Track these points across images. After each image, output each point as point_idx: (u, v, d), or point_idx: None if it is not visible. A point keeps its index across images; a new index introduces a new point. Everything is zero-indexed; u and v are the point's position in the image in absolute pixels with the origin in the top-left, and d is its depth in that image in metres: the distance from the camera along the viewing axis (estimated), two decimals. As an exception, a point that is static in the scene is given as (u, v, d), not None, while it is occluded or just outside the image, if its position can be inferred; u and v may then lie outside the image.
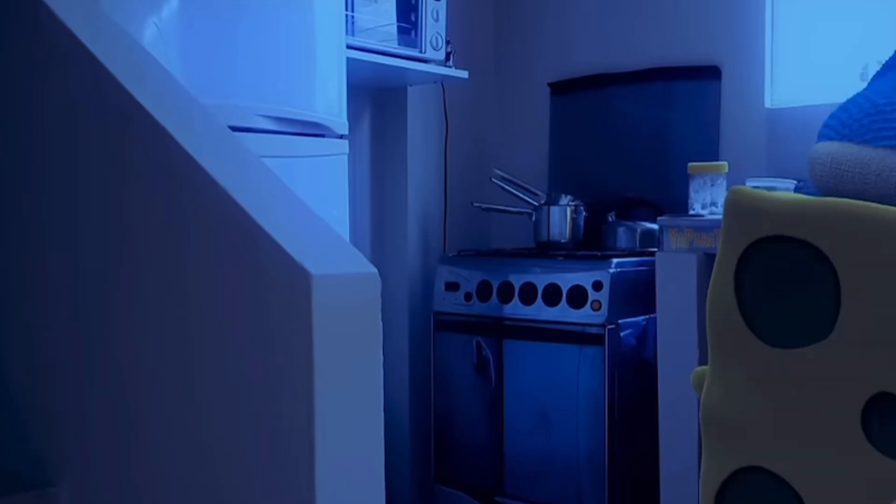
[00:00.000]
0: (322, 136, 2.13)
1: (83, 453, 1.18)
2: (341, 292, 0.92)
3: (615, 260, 2.44)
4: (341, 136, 2.19)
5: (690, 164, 2.37)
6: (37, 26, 1.18)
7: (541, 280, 2.48)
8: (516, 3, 3.44)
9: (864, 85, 2.50)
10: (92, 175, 1.14)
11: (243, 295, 0.95)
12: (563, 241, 2.75)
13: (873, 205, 0.84)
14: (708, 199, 2.34)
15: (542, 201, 2.81)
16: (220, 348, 0.98)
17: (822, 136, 0.96)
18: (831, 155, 0.99)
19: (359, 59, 2.43)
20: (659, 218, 2.38)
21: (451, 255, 2.80)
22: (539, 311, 2.47)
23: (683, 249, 2.31)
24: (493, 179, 2.91)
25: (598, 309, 2.37)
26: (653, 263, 2.36)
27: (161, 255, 1.05)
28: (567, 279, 2.44)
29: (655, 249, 2.38)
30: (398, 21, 2.63)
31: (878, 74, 1.03)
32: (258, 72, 1.92)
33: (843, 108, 0.97)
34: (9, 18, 1.22)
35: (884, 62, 1.07)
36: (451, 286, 2.66)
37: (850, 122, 0.99)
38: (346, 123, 2.17)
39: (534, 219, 2.81)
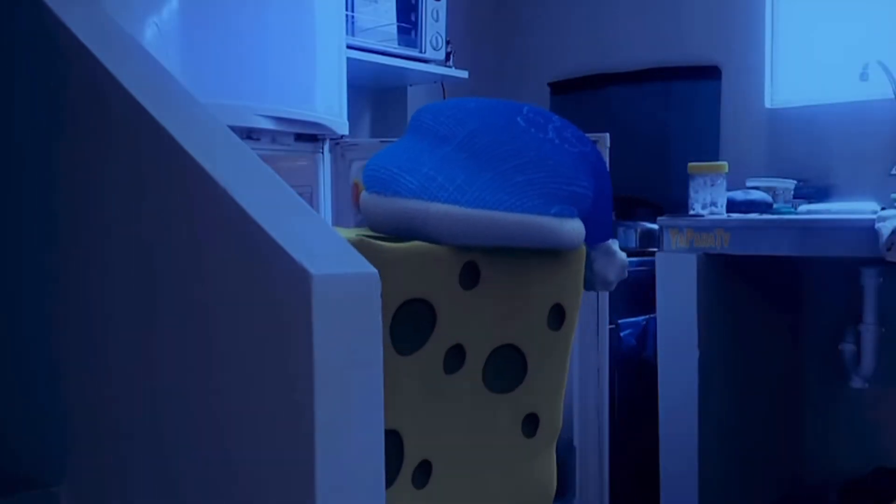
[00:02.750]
0: (322, 136, 2.13)
1: (83, 453, 1.18)
2: (341, 292, 0.92)
3: (615, 260, 2.44)
4: (341, 137, 2.19)
5: (690, 164, 2.37)
6: (35, 25, 1.18)
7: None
8: (516, 3, 3.44)
9: (864, 85, 2.52)
10: (90, 175, 1.14)
11: (243, 295, 0.95)
12: (563, 241, 2.75)
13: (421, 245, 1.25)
14: (708, 199, 2.34)
15: (542, 201, 2.80)
16: (220, 348, 0.98)
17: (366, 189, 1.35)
18: (372, 205, 1.33)
19: (359, 59, 2.43)
20: (659, 218, 2.38)
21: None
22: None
23: (683, 249, 2.31)
24: (493, 179, 2.90)
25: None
26: (653, 263, 2.36)
27: (160, 255, 1.05)
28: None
29: (655, 249, 2.38)
30: (398, 21, 2.63)
31: (408, 130, 1.42)
32: (258, 72, 1.91)
33: (371, 165, 1.36)
34: (6, 17, 1.22)
35: (418, 125, 1.41)
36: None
37: (378, 178, 1.33)
38: (347, 123, 2.17)
39: (534, 219, 2.81)
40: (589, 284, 1.46)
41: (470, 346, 1.32)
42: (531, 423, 1.40)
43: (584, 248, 1.41)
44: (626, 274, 1.49)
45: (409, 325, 1.24)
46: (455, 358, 1.31)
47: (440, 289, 1.28)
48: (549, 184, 1.31)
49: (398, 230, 1.29)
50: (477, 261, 1.30)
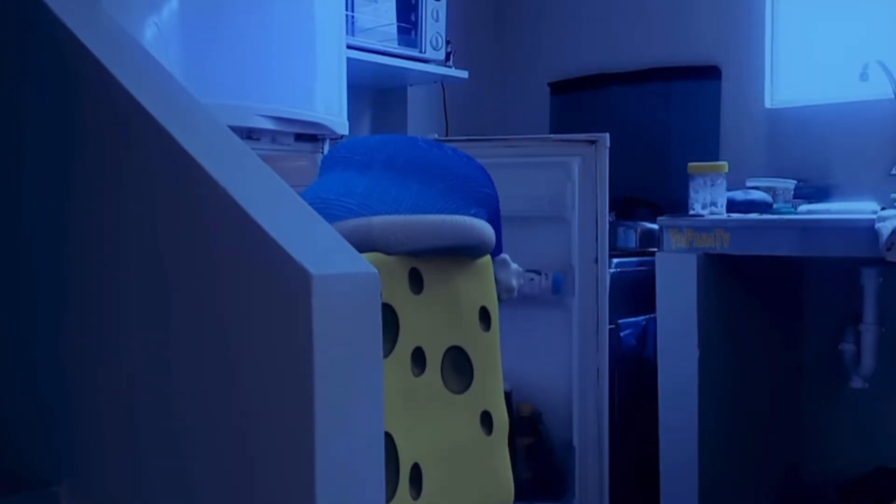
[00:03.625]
0: (322, 136, 2.13)
1: (83, 453, 1.18)
2: (341, 292, 0.92)
3: (615, 260, 2.44)
4: (341, 137, 2.19)
5: (690, 164, 2.37)
6: (34, 23, 1.18)
7: (541, 280, 2.47)
8: (516, 3, 3.44)
9: (864, 85, 2.52)
10: (89, 175, 1.14)
11: (243, 295, 0.95)
12: (563, 240, 2.75)
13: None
14: (708, 199, 2.34)
15: (542, 201, 2.81)
16: (220, 348, 0.98)
17: None
18: None
19: (359, 59, 2.43)
20: (659, 218, 2.38)
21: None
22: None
23: (683, 249, 2.31)
24: (494, 179, 2.91)
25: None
26: (653, 263, 2.36)
27: (160, 255, 1.05)
28: (567, 279, 2.44)
29: (655, 249, 2.38)
30: (398, 21, 2.63)
31: (325, 169, 1.55)
32: (258, 72, 1.91)
33: (308, 202, 1.40)
34: (4, 15, 1.22)
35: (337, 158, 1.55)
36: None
37: (317, 209, 1.37)
38: (347, 123, 2.17)
39: (534, 219, 2.81)
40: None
41: (427, 348, 1.41)
42: (487, 421, 1.50)
43: (489, 257, 1.53)
44: (523, 281, 1.65)
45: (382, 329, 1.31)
46: (418, 360, 1.40)
47: (397, 293, 1.36)
48: (464, 188, 1.47)
49: None
50: (419, 267, 1.40)
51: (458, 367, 1.46)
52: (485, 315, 1.51)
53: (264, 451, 0.94)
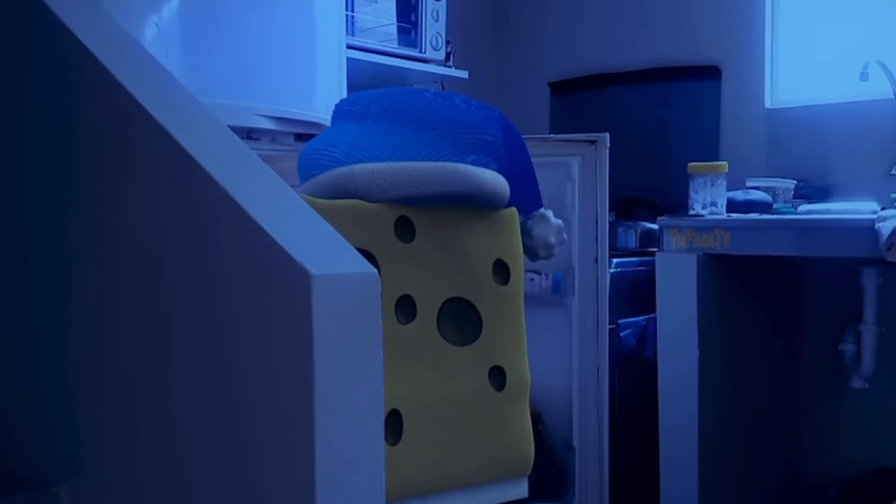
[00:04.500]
0: (322, 136, 2.13)
1: (83, 453, 1.18)
2: (341, 292, 0.92)
3: (615, 260, 2.44)
4: (341, 136, 2.19)
5: (690, 164, 2.37)
6: (34, 23, 1.18)
7: (541, 280, 2.47)
8: (516, 3, 3.44)
9: (864, 85, 2.53)
10: (89, 174, 1.14)
11: (243, 294, 0.95)
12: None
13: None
14: (708, 199, 2.34)
15: (542, 201, 2.80)
16: (219, 348, 0.98)
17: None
18: (307, 189, 1.42)
19: (359, 59, 2.43)
20: (659, 218, 2.38)
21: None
22: (539, 311, 2.47)
23: (683, 249, 2.31)
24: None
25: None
26: (653, 263, 2.36)
27: (160, 255, 1.05)
28: (567, 279, 2.44)
29: (655, 249, 2.38)
30: (398, 21, 2.63)
31: (331, 123, 1.55)
32: (258, 72, 1.91)
33: (300, 157, 1.47)
34: (3, 15, 1.22)
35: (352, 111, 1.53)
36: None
37: (309, 161, 1.44)
38: (346, 123, 2.17)
39: (534, 219, 2.81)
40: (531, 252, 1.55)
41: (419, 298, 1.38)
42: (499, 376, 1.45)
43: (513, 209, 1.49)
44: (566, 237, 1.59)
45: None
46: (406, 309, 1.37)
47: (379, 241, 1.34)
48: (461, 135, 1.42)
49: (332, 197, 1.38)
50: (409, 216, 1.38)
51: (463, 318, 1.43)
52: (501, 268, 1.46)
53: (265, 450, 0.94)
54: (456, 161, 1.39)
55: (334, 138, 1.43)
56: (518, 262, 1.48)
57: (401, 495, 1.32)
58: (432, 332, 1.39)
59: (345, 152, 1.39)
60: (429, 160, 1.38)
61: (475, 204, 1.44)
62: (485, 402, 1.44)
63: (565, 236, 1.58)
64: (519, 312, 1.49)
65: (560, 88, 3.32)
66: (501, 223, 1.47)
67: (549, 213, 1.56)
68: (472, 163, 1.39)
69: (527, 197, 1.53)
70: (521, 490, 1.49)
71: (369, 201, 1.35)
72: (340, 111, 1.52)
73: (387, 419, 1.31)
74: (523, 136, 1.51)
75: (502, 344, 1.46)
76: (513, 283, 1.47)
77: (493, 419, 1.44)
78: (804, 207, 2.47)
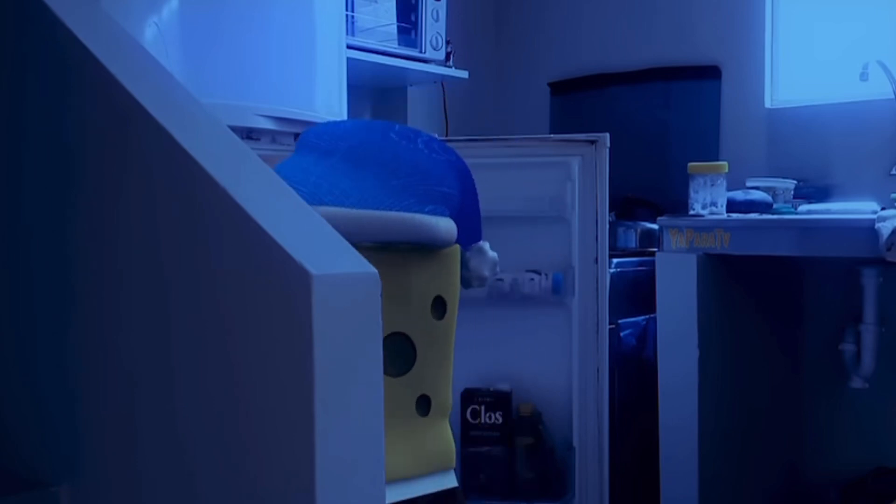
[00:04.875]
0: (322, 136, 2.13)
1: (84, 453, 1.18)
2: (341, 292, 0.92)
3: (615, 260, 2.44)
4: (341, 136, 2.19)
5: (690, 164, 2.37)
6: (34, 23, 1.18)
7: (541, 280, 2.47)
8: (516, 3, 3.44)
9: (864, 85, 2.53)
10: (89, 174, 1.14)
11: (243, 294, 0.95)
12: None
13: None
14: (708, 199, 2.34)
15: (542, 201, 2.80)
16: (219, 348, 0.98)
17: None
18: None
19: (359, 59, 2.43)
20: (659, 218, 2.38)
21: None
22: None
23: (683, 249, 2.31)
24: (493, 179, 2.91)
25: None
26: (653, 263, 2.36)
27: (160, 255, 1.05)
28: (567, 279, 2.44)
29: (655, 249, 2.38)
30: (398, 21, 2.63)
31: (296, 151, 1.60)
32: (258, 72, 1.91)
33: None
34: (3, 15, 1.22)
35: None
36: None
37: None
38: (346, 123, 2.17)
39: (534, 219, 2.81)
40: (465, 282, 1.64)
41: None
42: (424, 404, 1.58)
43: (457, 246, 1.59)
44: (498, 270, 1.68)
45: None
46: None
47: None
48: (421, 186, 1.52)
49: None
50: (365, 256, 1.46)
51: (399, 351, 1.53)
52: (440, 305, 1.57)
53: (265, 450, 0.94)
54: (415, 211, 1.49)
55: (300, 175, 1.49)
56: (454, 298, 1.60)
57: None
58: None
59: (310, 192, 1.45)
60: (390, 209, 1.48)
61: (425, 247, 1.54)
62: (410, 425, 1.57)
63: (498, 269, 1.68)
64: (449, 344, 1.60)
65: (560, 88, 3.32)
66: (445, 262, 1.58)
67: (486, 246, 1.67)
68: (429, 212, 1.50)
69: (470, 231, 1.63)
70: (450, 480, 1.60)
71: None
72: (308, 142, 1.58)
73: None
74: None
75: (431, 374, 1.58)
76: (447, 318, 1.59)
77: (415, 439, 1.58)
78: (804, 207, 2.47)
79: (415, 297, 1.55)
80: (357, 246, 1.41)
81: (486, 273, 1.66)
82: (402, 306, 1.53)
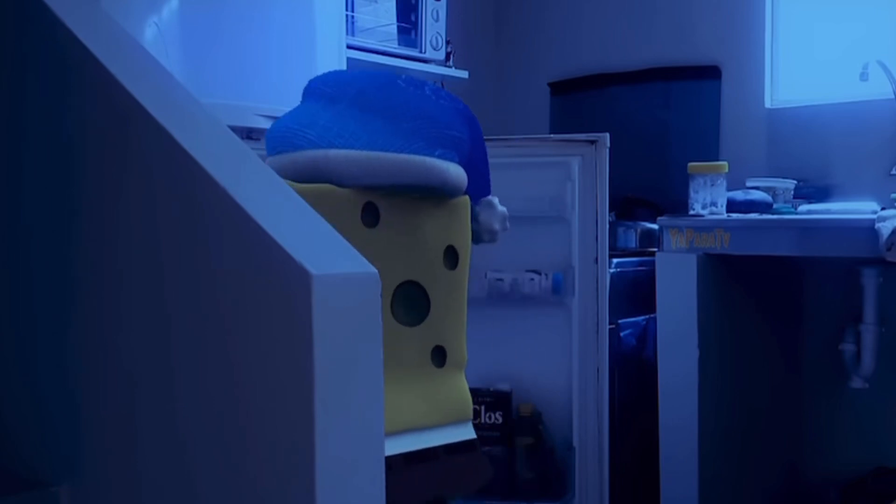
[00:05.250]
0: (322, 136, 2.13)
1: (84, 453, 1.18)
2: (341, 292, 0.92)
3: (615, 260, 2.44)
4: (341, 136, 2.19)
5: (690, 164, 2.37)
6: (34, 23, 1.18)
7: (541, 280, 2.47)
8: (516, 3, 3.44)
9: (864, 85, 2.53)
10: (89, 174, 1.14)
11: (243, 294, 0.95)
12: (563, 240, 2.75)
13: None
14: (708, 199, 2.34)
15: (542, 201, 2.80)
16: (219, 348, 0.98)
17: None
18: (277, 165, 1.47)
19: (359, 59, 2.43)
20: (659, 218, 2.38)
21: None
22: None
23: (683, 249, 2.31)
24: (494, 179, 2.90)
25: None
26: (653, 263, 2.36)
27: (160, 255, 1.05)
28: (567, 279, 2.44)
29: (655, 249, 2.38)
30: (398, 21, 2.63)
31: (302, 100, 1.58)
32: (258, 72, 1.92)
33: (271, 129, 1.53)
34: (3, 15, 1.22)
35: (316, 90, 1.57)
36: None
37: (281, 137, 1.48)
38: (346, 123, 2.17)
39: (534, 219, 2.81)
40: (476, 236, 1.61)
41: None
42: (440, 355, 1.54)
43: (467, 197, 1.56)
44: (508, 226, 1.65)
45: None
46: None
47: (345, 226, 1.41)
48: (430, 130, 1.48)
49: (304, 179, 1.42)
50: (376, 202, 1.44)
51: (413, 301, 1.51)
52: (451, 254, 1.55)
53: (265, 450, 0.94)
54: (425, 154, 1.46)
55: (308, 119, 1.48)
56: (466, 249, 1.57)
57: None
58: (387, 315, 1.45)
59: (319, 135, 1.44)
60: (400, 152, 1.44)
61: (436, 194, 1.51)
62: (426, 375, 1.53)
63: (508, 224, 1.65)
64: (463, 296, 1.57)
65: (560, 88, 3.32)
66: (456, 211, 1.56)
67: (496, 200, 1.64)
68: (438, 156, 1.47)
69: (479, 185, 1.61)
70: (468, 432, 1.57)
71: (339, 186, 1.41)
72: (313, 89, 1.55)
73: None
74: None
75: (446, 325, 1.55)
76: (460, 268, 1.56)
77: (433, 391, 1.54)
78: (804, 207, 2.47)
79: (427, 245, 1.51)
80: (368, 189, 1.43)
81: (497, 226, 1.63)
82: (415, 254, 1.50)
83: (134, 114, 1.04)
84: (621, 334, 2.47)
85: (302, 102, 1.56)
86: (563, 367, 2.34)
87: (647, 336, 2.54)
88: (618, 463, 2.35)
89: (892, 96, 2.56)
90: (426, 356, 1.52)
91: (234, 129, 1.17)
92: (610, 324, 2.31)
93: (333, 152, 1.42)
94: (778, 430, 2.68)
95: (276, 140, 1.49)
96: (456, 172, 1.50)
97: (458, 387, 1.57)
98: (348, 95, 1.51)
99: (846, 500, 2.55)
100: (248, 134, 1.92)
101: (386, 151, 1.44)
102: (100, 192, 1.13)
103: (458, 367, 1.57)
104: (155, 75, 1.16)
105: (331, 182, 1.42)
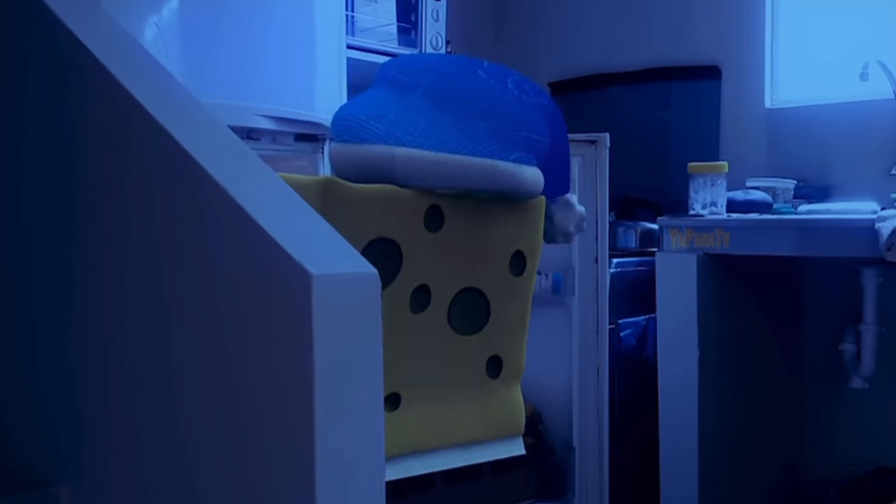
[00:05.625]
0: (322, 136, 2.13)
1: (84, 453, 1.18)
2: (341, 292, 0.92)
3: (615, 260, 2.44)
4: (341, 136, 2.19)
5: (690, 164, 2.37)
6: (34, 23, 1.18)
7: (541, 280, 2.47)
8: (516, 3, 3.44)
9: (864, 85, 2.53)
10: (89, 174, 1.14)
11: (243, 294, 0.95)
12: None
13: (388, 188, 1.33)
14: (708, 199, 2.34)
15: (542, 201, 2.80)
16: (219, 348, 0.98)
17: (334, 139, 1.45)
18: (341, 153, 1.40)
19: (359, 59, 2.43)
20: (659, 218, 2.38)
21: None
22: (539, 311, 2.47)
23: (683, 249, 2.31)
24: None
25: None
26: (653, 263, 2.36)
27: (160, 255, 1.05)
28: (567, 279, 2.44)
29: (655, 249, 2.38)
30: (398, 21, 2.63)
31: (375, 84, 1.49)
32: (258, 72, 1.91)
33: (339, 115, 1.44)
34: (3, 15, 1.22)
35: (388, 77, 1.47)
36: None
37: (347, 127, 1.40)
38: (346, 123, 2.17)
39: (534, 219, 2.81)
40: (549, 236, 1.52)
41: (435, 287, 1.37)
42: (495, 366, 1.47)
43: (542, 198, 1.46)
44: (585, 227, 1.57)
45: (375, 263, 1.23)
46: (421, 298, 1.37)
47: (406, 229, 1.32)
48: (507, 131, 1.38)
49: (366, 175, 1.35)
50: (441, 205, 1.36)
51: (472, 308, 1.42)
52: (519, 259, 1.45)
53: (265, 450, 0.94)
54: (499, 158, 1.35)
55: (378, 111, 1.39)
56: (536, 254, 1.48)
57: (399, 452, 1.35)
58: (441, 321, 1.39)
59: (387, 131, 1.36)
60: (473, 155, 1.35)
61: (508, 198, 1.42)
62: (480, 388, 1.46)
63: (585, 226, 1.57)
64: (527, 303, 1.49)
65: (560, 88, 3.32)
66: (529, 214, 1.46)
67: (574, 199, 1.54)
68: (514, 160, 1.36)
69: (557, 183, 1.51)
70: (517, 447, 1.51)
71: (403, 186, 1.34)
72: (388, 76, 1.47)
73: (385, 400, 1.33)
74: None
75: (505, 334, 1.47)
76: (527, 275, 1.47)
77: (486, 402, 1.48)
78: (804, 207, 2.47)
79: (493, 250, 1.42)
80: (434, 192, 1.35)
81: (572, 229, 1.53)
82: (479, 260, 1.41)
83: (134, 114, 1.04)
84: (621, 334, 2.47)
85: (374, 87, 1.47)
86: (563, 367, 2.34)
87: (647, 336, 2.54)
88: (618, 463, 2.35)
89: (892, 96, 2.56)
90: (481, 367, 1.45)
91: (234, 129, 1.17)
92: (610, 324, 2.32)
93: (400, 151, 1.34)
94: (778, 430, 2.68)
95: (341, 128, 1.41)
96: (532, 175, 1.39)
97: (511, 399, 1.50)
98: (423, 85, 1.41)
99: (846, 500, 2.55)
100: (248, 134, 1.92)
101: (456, 153, 1.34)
102: (100, 192, 1.13)
103: (514, 377, 1.50)
104: (155, 75, 1.16)
105: (394, 182, 1.34)
